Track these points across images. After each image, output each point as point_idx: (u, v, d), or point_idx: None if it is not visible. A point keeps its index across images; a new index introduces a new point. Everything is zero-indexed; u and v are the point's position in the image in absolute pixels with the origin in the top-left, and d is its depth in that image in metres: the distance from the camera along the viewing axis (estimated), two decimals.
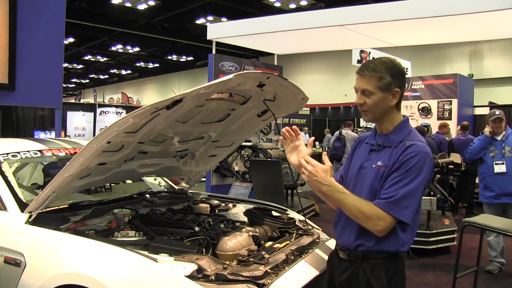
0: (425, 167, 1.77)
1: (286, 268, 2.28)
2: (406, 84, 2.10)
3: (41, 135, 11.31)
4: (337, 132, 9.91)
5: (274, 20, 7.37)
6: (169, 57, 25.91)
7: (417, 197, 1.78)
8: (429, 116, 10.45)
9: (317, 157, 1.88)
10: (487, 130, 4.81)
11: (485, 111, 10.96)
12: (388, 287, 1.81)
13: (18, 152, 3.00)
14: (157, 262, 2.05)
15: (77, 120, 14.38)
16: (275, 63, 8.80)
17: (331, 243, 2.88)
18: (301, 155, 1.89)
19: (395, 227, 1.78)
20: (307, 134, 17.05)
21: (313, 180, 1.79)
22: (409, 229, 1.82)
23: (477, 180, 8.49)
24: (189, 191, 3.69)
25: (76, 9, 15.18)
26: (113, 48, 22.98)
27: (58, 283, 2.09)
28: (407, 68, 12.81)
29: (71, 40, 20.29)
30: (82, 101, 19.19)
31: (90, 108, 15.26)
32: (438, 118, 10.03)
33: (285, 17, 7.51)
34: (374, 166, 1.85)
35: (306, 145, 1.96)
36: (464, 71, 15.51)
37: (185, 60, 26.42)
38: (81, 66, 28.68)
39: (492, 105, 11.43)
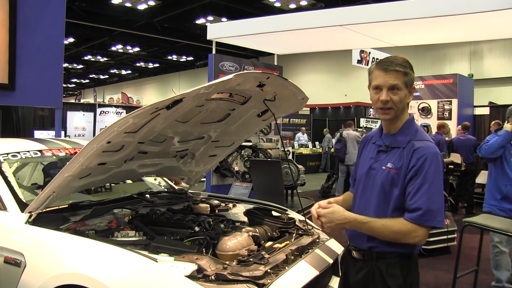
0: (439, 167, 1.77)
1: (286, 268, 2.28)
2: None
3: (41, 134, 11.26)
4: (337, 134, 9.94)
5: (274, 20, 7.36)
6: (169, 57, 25.91)
7: (442, 197, 1.78)
8: (429, 116, 10.45)
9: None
10: (508, 126, 4.07)
11: (485, 111, 10.97)
12: (404, 285, 1.81)
13: (18, 152, 3.00)
14: (157, 262, 2.05)
15: (77, 120, 14.36)
16: (275, 63, 8.80)
17: (331, 243, 2.89)
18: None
19: None
20: (305, 134, 17.05)
21: (333, 227, 1.78)
22: None
23: (477, 180, 8.58)
24: (189, 191, 3.69)
25: (76, 9, 15.18)
26: (113, 48, 22.98)
27: (58, 283, 2.09)
28: None
29: (71, 40, 20.30)
30: (82, 101, 19.16)
31: (90, 108, 15.25)
32: (438, 118, 10.03)
33: (285, 17, 7.50)
34: (384, 168, 1.84)
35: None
36: (464, 71, 15.51)
37: (185, 60, 26.42)
38: (81, 66, 28.69)
39: (492, 105, 11.43)
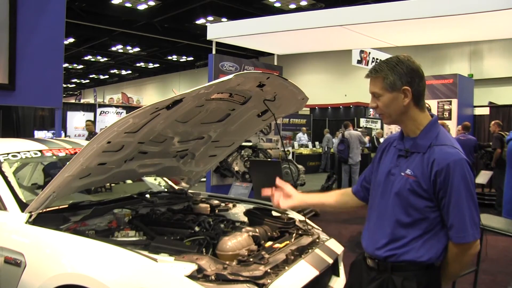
0: (467, 174, 1.66)
1: (286, 268, 2.28)
2: None
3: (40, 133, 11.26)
4: (340, 135, 9.95)
5: (274, 20, 7.36)
6: (169, 57, 25.92)
7: (473, 208, 1.67)
8: None
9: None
10: None
11: (485, 111, 10.96)
12: None
13: (18, 152, 3.00)
14: (157, 262, 2.05)
15: (77, 120, 14.37)
16: (275, 63, 8.80)
17: (331, 243, 2.89)
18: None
19: (428, 235, 1.70)
20: (306, 134, 17.05)
21: None
22: (446, 237, 1.73)
23: (477, 180, 8.56)
24: (189, 191, 3.69)
25: (76, 9, 15.18)
26: (113, 48, 22.98)
27: (58, 283, 2.09)
28: None
29: (71, 40, 20.30)
30: (82, 101, 19.21)
31: (90, 108, 15.27)
32: (438, 118, 10.01)
33: (285, 17, 7.50)
34: (402, 174, 1.74)
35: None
36: (464, 71, 15.50)
37: (185, 60, 26.43)
38: (81, 66, 28.70)
39: (492, 105, 11.42)
